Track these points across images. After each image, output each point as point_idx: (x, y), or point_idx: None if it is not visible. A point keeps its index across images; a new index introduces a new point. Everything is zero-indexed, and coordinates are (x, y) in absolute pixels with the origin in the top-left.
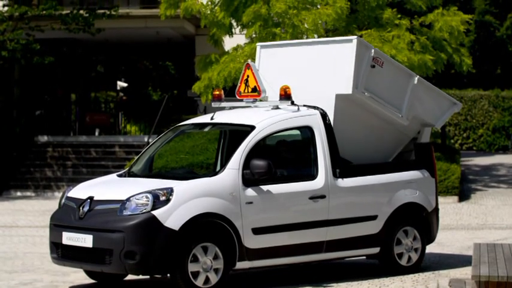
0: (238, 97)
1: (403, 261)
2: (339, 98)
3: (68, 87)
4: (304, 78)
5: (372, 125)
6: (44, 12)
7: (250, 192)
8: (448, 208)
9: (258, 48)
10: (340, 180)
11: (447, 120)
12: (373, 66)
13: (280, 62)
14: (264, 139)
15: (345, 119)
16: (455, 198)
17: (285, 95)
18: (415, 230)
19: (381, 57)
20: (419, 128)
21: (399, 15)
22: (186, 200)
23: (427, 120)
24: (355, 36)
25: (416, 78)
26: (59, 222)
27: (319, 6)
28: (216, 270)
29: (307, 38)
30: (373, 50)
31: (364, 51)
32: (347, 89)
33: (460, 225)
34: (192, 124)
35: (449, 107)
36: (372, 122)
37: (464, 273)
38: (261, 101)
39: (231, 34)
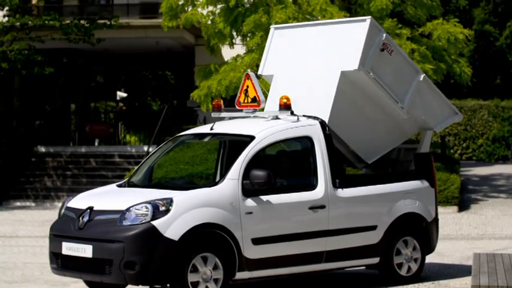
0: (237, 107)
1: (403, 271)
2: (344, 76)
3: (68, 97)
4: (312, 58)
5: (370, 115)
6: (46, 22)
7: (250, 202)
8: (448, 218)
9: (271, 29)
10: (339, 190)
11: (446, 127)
12: (382, 50)
13: (292, 42)
14: (263, 149)
15: (345, 103)
16: (455, 208)
17: (285, 105)
18: (414, 240)
19: (391, 45)
20: (417, 130)
21: (400, 25)
22: (186, 210)
23: (426, 121)
24: (369, 17)
25: (422, 76)
26: (59, 233)
27: (319, 17)
28: (215, 281)
29: None
30: (384, 35)
31: (376, 33)
32: (353, 64)
33: (460, 235)
34: (192, 134)
35: (450, 114)
36: (371, 111)
37: (464, 283)
38: (260, 111)
39: (231, 45)
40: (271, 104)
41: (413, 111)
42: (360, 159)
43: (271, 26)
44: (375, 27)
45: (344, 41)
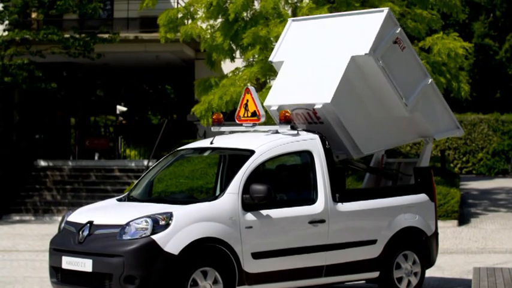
0: (237, 121)
1: (403, 286)
2: (353, 61)
3: (68, 111)
4: (325, 45)
5: (373, 108)
6: (46, 36)
7: (249, 216)
8: (448, 232)
9: (289, 21)
10: (339, 204)
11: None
12: (395, 43)
13: (307, 32)
14: (263, 164)
15: (350, 88)
16: (455, 222)
17: (285, 119)
18: (414, 254)
19: (404, 42)
20: (416, 135)
21: None
22: (186, 224)
23: (427, 126)
24: (388, 8)
25: (430, 80)
26: (59, 247)
27: None
28: None
29: None
30: (399, 29)
31: (391, 26)
32: (365, 49)
33: (460, 249)
34: (192, 148)
35: (452, 127)
36: (374, 105)
37: None
38: (260, 125)
39: (232, 59)
40: (277, 90)
41: (416, 113)
42: (357, 149)
43: (289, 19)
44: (391, 19)
45: (359, 30)
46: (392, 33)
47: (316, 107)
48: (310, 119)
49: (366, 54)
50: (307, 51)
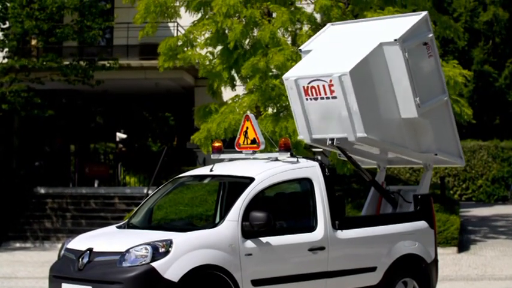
0: (237, 149)
1: None
2: (380, 48)
3: (67, 138)
4: (356, 38)
5: (382, 103)
6: (45, 63)
7: (249, 244)
8: (448, 259)
9: (327, 25)
10: (339, 231)
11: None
12: (425, 44)
13: (342, 32)
14: (263, 191)
15: (366, 75)
16: (455, 249)
17: (285, 147)
18: (414, 281)
19: (433, 50)
20: (417, 148)
21: None
22: (186, 251)
23: (431, 140)
24: (426, 12)
25: (447, 97)
26: (58, 274)
27: None
28: None
29: None
30: (431, 35)
31: (425, 29)
32: (395, 35)
33: (460, 276)
34: (192, 176)
35: (454, 153)
36: (384, 101)
37: None
38: (260, 152)
39: (233, 87)
40: (297, 66)
41: (425, 120)
42: (361, 131)
43: (328, 24)
44: (426, 22)
45: (393, 27)
46: (424, 35)
47: (334, 75)
48: (324, 93)
49: (395, 40)
50: (338, 42)
